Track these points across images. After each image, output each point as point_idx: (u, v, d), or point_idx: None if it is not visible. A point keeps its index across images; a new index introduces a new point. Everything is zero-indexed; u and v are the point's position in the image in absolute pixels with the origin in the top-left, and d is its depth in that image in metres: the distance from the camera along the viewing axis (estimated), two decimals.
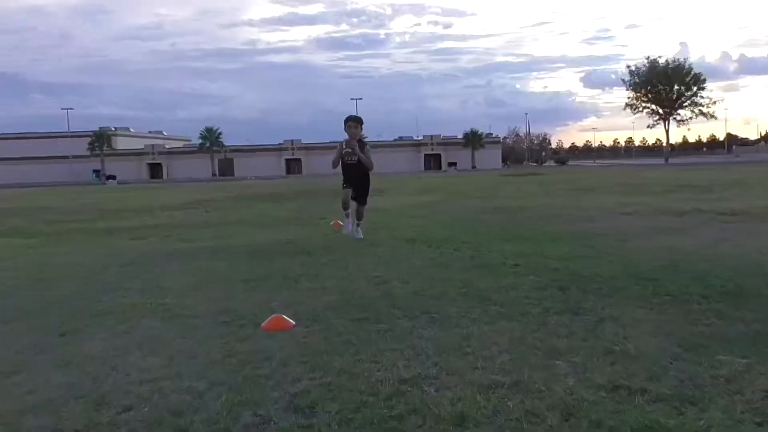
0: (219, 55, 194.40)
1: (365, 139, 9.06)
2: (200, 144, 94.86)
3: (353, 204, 8.99)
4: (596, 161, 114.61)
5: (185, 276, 6.51)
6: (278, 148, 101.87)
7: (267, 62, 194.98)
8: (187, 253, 8.26)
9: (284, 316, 4.36)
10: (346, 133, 8.72)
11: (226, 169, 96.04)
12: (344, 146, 8.75)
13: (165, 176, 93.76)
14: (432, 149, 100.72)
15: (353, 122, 8.76)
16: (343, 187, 8.82)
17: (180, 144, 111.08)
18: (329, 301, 5.04)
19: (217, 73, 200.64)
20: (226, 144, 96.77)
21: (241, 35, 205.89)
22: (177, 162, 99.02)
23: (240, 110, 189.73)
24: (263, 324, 4.29)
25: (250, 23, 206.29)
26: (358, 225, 9.04)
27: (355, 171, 8.78)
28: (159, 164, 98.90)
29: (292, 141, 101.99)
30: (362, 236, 8.89)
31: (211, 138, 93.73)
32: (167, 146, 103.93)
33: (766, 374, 3.06)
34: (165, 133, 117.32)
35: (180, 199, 23.56)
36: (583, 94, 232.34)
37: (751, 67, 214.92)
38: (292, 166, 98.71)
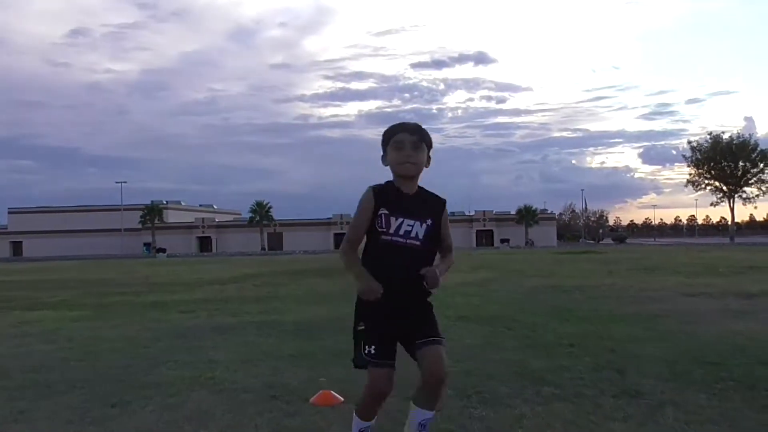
0: (271, 129, 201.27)
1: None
2: (250, 218, 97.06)
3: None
4: (656, 239, 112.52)
5: (234, 350, 6.65)
6: (327, 223, 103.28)
7: (318, 137, 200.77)
8: (235, 328, 8.43)
9: (332, 392, 4.43)
10: (391, 163, 3.12)
11: (275, 243, 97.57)
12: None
13: (214, 250, 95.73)
14: (484, 225, 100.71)
15: (410, 135, 3.10)
16: (358, 335, 3.14)
17: (230, 217, 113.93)
18: None
19: (269, 147, 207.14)
20: (275, 218, 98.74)
21: (293, 110, 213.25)
22: (226, 235, 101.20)
23: (290, 184, 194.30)
24: (312, 399, 4.36)
25: (303, 98, 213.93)
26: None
27: (411, 264, 3.02)
28: (208, 237, 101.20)
29: (341, 215, 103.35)
30: None
31: (260, 212, 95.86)
32: (217, 220, 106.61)
33: None
34: (215, 207, 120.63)
35: (229, 273, 24.03)
36: (642, 170, 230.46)
37: None
38: (341, 241, 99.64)
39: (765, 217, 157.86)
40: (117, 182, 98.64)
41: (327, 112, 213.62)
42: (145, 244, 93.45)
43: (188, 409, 4.34)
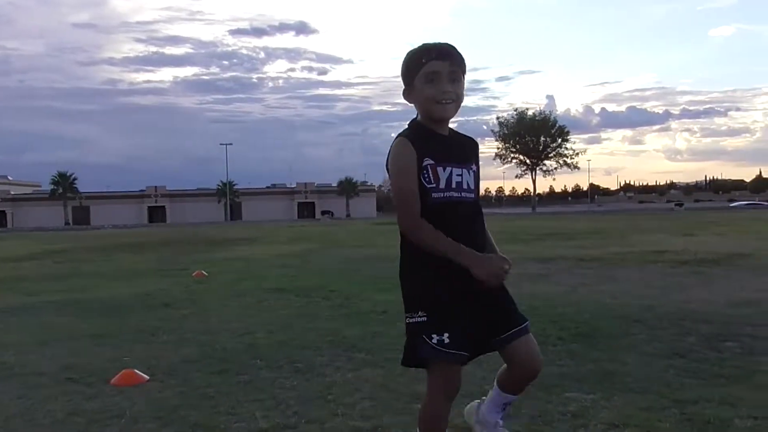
0: (76, 94, 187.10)
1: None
2: (52, 190, 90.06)
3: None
4: None
5: (27, 332, 6.16)
6: (140, 196, 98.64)
7: (130, 104, 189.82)
8: (30, 308, 7.80)
9: (136, 371, 4.24)
10: (423, 100, 2.35)
11: (81, 217, 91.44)
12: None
13: (10, 225, 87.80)
14: (306, 197, 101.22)
15: (445, 63, 2.31)
16: (414, 327, 2.45)
17: (28, 190, 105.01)
18: (188, 354, 4.95)
19: (73, 114, 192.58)
20: (81, 191, 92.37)
21: (101, 74, 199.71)
22: (24, 210, 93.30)
23: (99, 155, 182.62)
24: (112, 380, 4.14)
25: (111, 62, 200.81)
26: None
27: (474, 226, 2.42)
28: (3, 212, 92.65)
29: (156, 188, 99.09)
30: None
31: (64, 183, 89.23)
32: (13, 192, 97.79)
33: (609, 408, 3.35)
34: (10, 178, 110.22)
35: (26, 250, 22.13)
36: None
37: (611, 120, 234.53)
38: (156, 215, 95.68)
39: (563, 188, 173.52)
40: None
41: (139, 77, 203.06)
42: None
43: None
